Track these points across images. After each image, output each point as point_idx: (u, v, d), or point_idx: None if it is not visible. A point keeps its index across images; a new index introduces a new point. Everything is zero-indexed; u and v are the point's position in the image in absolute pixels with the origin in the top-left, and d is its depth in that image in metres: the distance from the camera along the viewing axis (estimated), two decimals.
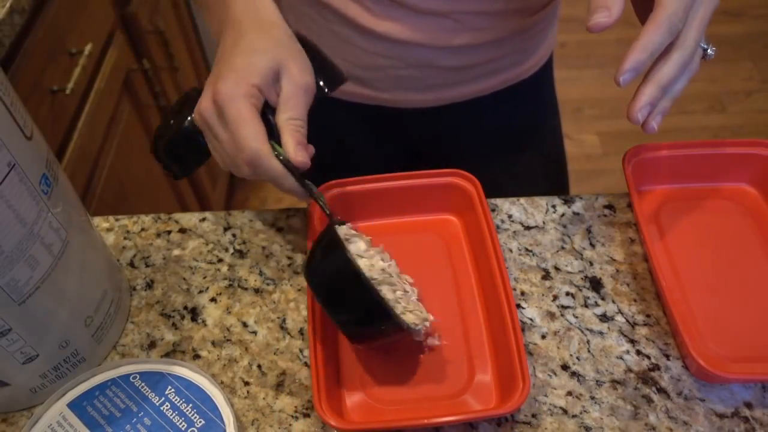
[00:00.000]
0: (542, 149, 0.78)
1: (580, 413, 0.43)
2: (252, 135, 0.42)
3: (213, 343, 0.48)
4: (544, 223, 0.55)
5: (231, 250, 0.54)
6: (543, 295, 0.50)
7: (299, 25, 0.67)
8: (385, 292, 0.43)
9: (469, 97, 0.69)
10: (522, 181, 0.74)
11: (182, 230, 0.56)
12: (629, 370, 0.45)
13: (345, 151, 0.78)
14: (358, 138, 0.76)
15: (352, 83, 0.68)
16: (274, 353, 0.48)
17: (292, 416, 0.44)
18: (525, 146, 0.76)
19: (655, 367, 0.46)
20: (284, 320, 0.49)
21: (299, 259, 0.53)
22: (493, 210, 0.56)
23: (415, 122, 0.72)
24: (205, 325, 0.50)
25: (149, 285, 0.52)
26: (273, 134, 0.44)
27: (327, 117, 0.74)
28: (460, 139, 0.73)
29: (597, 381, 0.45)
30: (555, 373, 0.45)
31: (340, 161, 0.80)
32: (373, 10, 0.61)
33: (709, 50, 0.44)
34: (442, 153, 0.75)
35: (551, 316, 0.49)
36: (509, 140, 0.75)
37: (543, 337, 0.48)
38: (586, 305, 0.49)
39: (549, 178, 0.78)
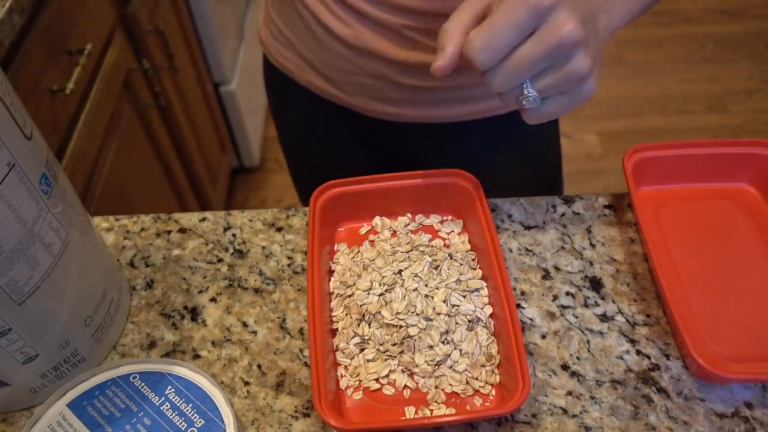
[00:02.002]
0: (532, 180, 0.74)
1: (580, 413, 0.43)
2: None
3: (213, 343, 0.48)
4: (544, 223, 0.55)
5: (231, 250, 0.54)
6: (543, 295, 0.50)
7: (282, 12, 0.67)
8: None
9: (439, 120, 0.67)
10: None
11: (182, 230, 0.56)
12: (629, 370, 0.45)
13: (329, 150, 0.77)
14: (338, 137, 0.76)
15: (324, 81, 0.67)
16: (274, 353, 0.48)
17: (292, 416, 0.44)
18: (511, 176, 0.72)
19: (655, 367, 0.46)
20: (284, 320, 0.49)
21: (299, 259, 0.53)
22: (493, 210, 0.56)
23: (388, 132, 0.70)
24: (205, 325, 0.50)
25: (149, 285, 0.52)
26: None
27: (310, 112, 0.74)
28: (436, 158, 0.69)
29: (597, 381, 0.45)
30: (555, 373, 0.45)
31: (326, 160, 0.80)
32: (333, 10, 0.60)
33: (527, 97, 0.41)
34: (421, 164, 0.73)
35: (551, 316, 0.49)
36: (491, 170, 0.69)
37: (543, 337, 0.48)
38: (586, 305, 0.49)
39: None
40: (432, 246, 0.52)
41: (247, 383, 0.46)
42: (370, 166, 0.63)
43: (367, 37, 0.60)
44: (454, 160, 0.69)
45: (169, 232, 0.56)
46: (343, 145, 0.76)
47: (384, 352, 0.46)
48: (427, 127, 0.68)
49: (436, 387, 0.45)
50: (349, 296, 0.49)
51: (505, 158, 0.73)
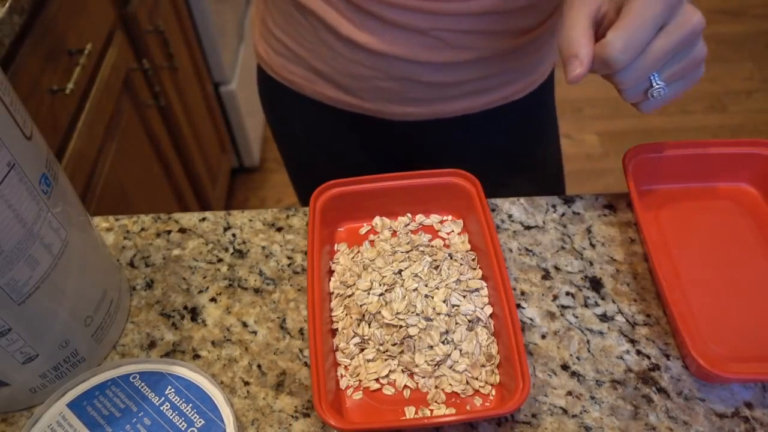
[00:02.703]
0: (535, 174, 0.76)
1: (580, 413, 0.43)
2: None
3: (213, 343, 0.48)
4: (544, 223, 0.55)
5: (231, 250, 0.54)
6: (543, 295, 0.50)
7: (287, 26, 0.66)
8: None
9: (456, 114, 0.68)
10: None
11: (182, 230, 0.56)
12: (629, 370, 0.45)
13: (335, 159, 0.77)
14: (347, 146, 0.75)
15: (338, 90, 0.67)
16: (274, 353, 0.48)
17: (292, 416, 0.44)
18: (516, 169, 0.74)
19: (655, 367, 0.46)
20: (284, 320, 0.49)
21: (299, 259, 0.53)
22: (493, 210, 0.56)
23: (401, 134, 0.70)
24: (205, 325, 0.50)
25: (149, 285, 0.52)
26: None
27: (317, 124, 0.74)
28: (447, 156, 0.72)
29: (597, 381, 0.45)
30: (555, 373, 0.45)
31: (331, 168, 0.79)
32: (353, 20, 0.59)
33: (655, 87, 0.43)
34: (431, 166, 0.74)
35: (551, 316, 0.49)
36: (499, 161, 0.73)
37: (543, 337, 0.48)
38: (586, 305, 0.49)
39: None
40: (432, 246, 0.52)
41: (247, 383, 0.46)
42: (382, 172, 0.63)
43: (394, 42, 0.60)
44: (467, 155, 0.70)
45: (169, 232, 0.56)
46: (354, 154, 0.76)
47: (384, 352, 0.46)
48: (440, 123, 0.68)
49: (436, 387, 0.45)
50: (349, 296, 0.49)
51: (508, 154, 0.73)
